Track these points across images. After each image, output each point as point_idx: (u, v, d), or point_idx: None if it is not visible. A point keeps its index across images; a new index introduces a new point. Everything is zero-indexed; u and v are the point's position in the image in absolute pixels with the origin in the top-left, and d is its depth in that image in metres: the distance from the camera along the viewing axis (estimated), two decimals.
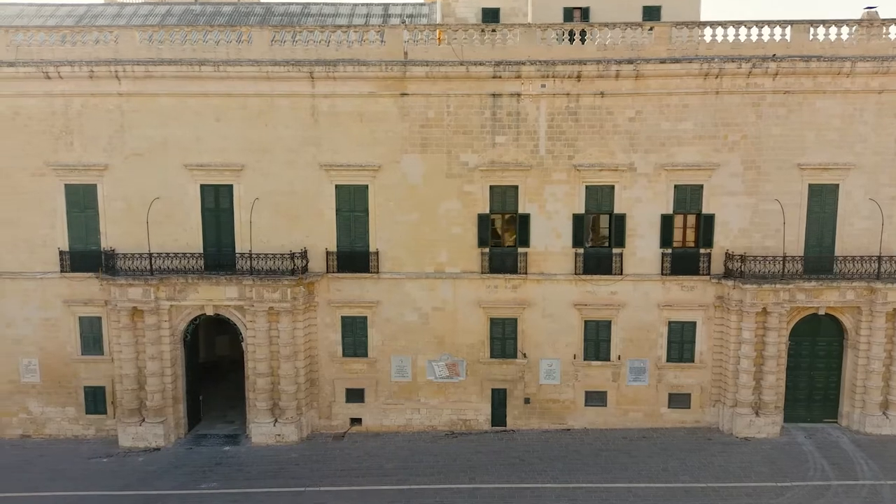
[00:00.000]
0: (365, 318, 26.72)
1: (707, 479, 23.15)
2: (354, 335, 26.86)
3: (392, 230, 26.25)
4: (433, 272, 26.39)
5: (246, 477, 23.76)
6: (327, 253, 26.36)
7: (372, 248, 26.32)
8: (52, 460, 25.53)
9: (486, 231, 25.98)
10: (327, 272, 26.48)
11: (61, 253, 26.50)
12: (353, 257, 26.41)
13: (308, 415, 27.00)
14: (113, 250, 25.97)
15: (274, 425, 26.18)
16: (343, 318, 26.77)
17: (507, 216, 26.28)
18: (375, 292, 26.57)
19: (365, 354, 26.94)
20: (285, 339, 25.89)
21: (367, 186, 26.15)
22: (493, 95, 25.33)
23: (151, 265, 25.56)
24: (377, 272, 26.37)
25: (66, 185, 26.30)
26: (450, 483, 22.98)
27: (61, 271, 26.63)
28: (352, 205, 26.32)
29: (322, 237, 26.38)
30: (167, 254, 25.77)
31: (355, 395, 27.14)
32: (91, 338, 27.09)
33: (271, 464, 24.69)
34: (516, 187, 25.80)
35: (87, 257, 26.56)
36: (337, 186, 26.17)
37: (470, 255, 26.18)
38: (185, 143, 26.00)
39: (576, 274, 25.93)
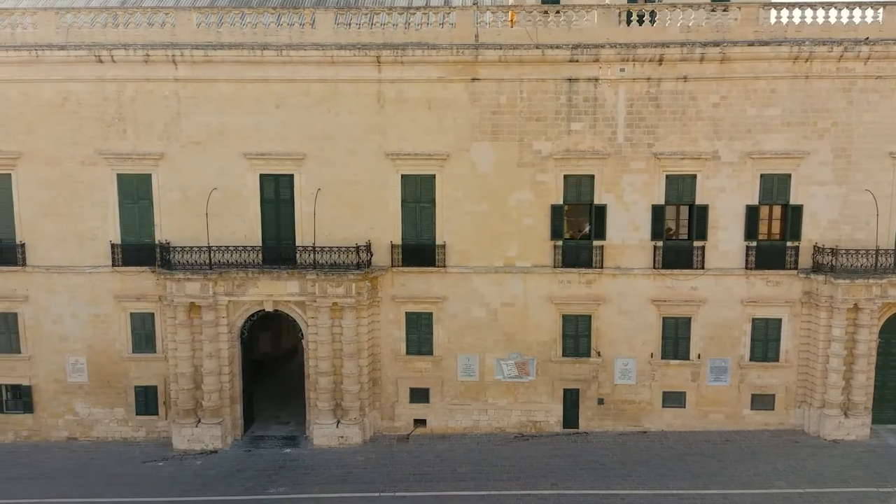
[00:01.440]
0: (430, 314, 25.49)
1: (803, 484, 21.86)
2: (419, 332, 25.62)
3: (460, 222, 25.01)
4: (502, 266, 25.13)
5: (314, 481, 22.50)
6: (392, 246, 25.14)
7: (438, 241, 25.08)
8: (105, 464, 24.31)
9: (560, 223, 24.72)
10: (391, 266, 25.23)
11: (113, 246, 25.31)
12: (419, 250, 25.18)
13: (370, 416, 25.74)
14: (168, 243, 24.71)
15: (336, 427, 24.93)
16: (407, 314, 25.55)
17: (581, 207, 25.05)
18: (441, 287, 25.31)
19: (430, 352, 25.69)
20: (349, 336, 24.63)
21: (434, 176, 24.92)
22: (569, 80, 24.10)
23: (210, 259, 24.38)
24: (443, 266, 25.13)
25: (118, 175, 25.11)
26: (531, 489, 21.68)
27: (112, 265, 25.45)
28: (418, 195, 25.11)
29: (386, 229, 25.17)
30: (225, 247, 24.60)
31: (419, 395, 25.88)
32: (143, 335, 25.85)
33: (338, 467, 23.44)
34: (592, 177, 24.54)
35: (139, 250, 25.37)
36: (403, 176, 24.94)
37: (542, 249, 24.95)
38: (244, 130, 24.78)
39: (654, 268, 24.67)
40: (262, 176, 25.08)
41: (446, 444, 25.11)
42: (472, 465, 23.45)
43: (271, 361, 34.05)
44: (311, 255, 24.57)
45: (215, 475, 23.15)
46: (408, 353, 25.82)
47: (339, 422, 25.03)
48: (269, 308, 25.10)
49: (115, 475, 23.39)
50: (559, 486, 21.88)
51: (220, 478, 22.95)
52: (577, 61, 23.82)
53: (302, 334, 25.88)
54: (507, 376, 25.59)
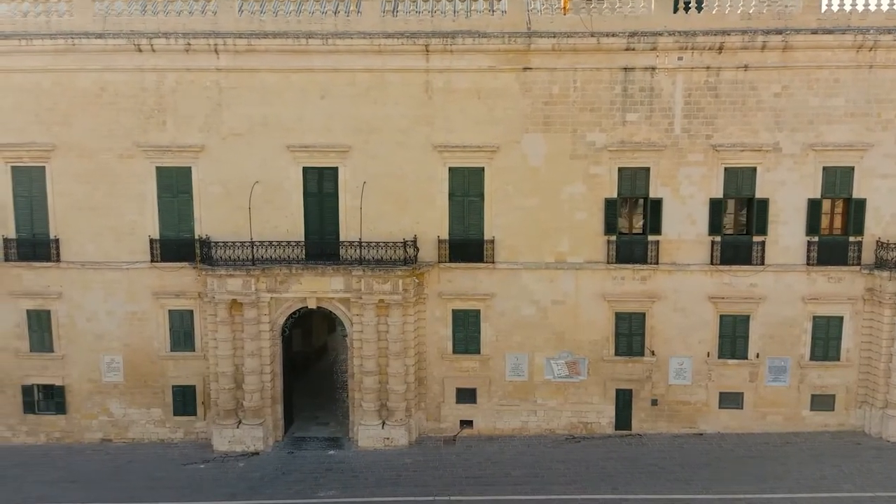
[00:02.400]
0: (478, 311, 24.65)
1: (872, 487, 21.01)
2: (466, 330, 24.77)
3: (509, 216, 24.18)
4: (553, 262, 24.30)
5: (363, 484, 21.68)
6: (438, 241, 24.30)
7: (487, 236, 24.25)
8: (143, 467, 23.49)
9: (614, 217, 23.88)
10: (438, 262, 24.40)
11: (151, 241, 24.50)
12: (466, 246, 24.35)
13: (416, 416, 24.94)
14: (208, 238, 24.00)
15: (382, 428, 24.13)
16: (454, 311, 24.70)
17: (636, 201, 24.25)
18: (489, 284, 24.48)
19: (477, 351, 24.85)
20: (395, 334, 23.84)
21: (482, 169, 24.09)
22: (625, 69, 23.29)
23: (253, 254, 23.59)
24: (492, 262, 24.29)
25: (157, 168, 24.30)
26: (592, 493, 20.85)
27: (151, 261, 24.66)
28: (466, 189, 24.27)
29: (433, 224, 24.33)
30: (269, 242, 23.82)
31: (466, 396, 25.03)
32: (181, 333, 25.04)
33: (386, 470, 22.63)
34: (648, 169, 23.69)
35: (178, 246, 24.59)
36: (450, 169, 24.11)
37: (594, 244, 24.11)
38: (287, 122, 23.98)
39: (711, 264, 23.81)
40: (305, 169, 24.25)
41: (495, 447, 24.27)
42: (526, 469, 22.62)
43: (303, 360, 33.30)
44: (357, 251, 23.73)
45: (260, 478, 22.33)
46: (454, 351, 24.97)
47: (384, 423, 24.21)
48: (312, 305, 24.29)
49: (156, 478, 22.57)
50: (620, 491, 21.03)
51: (266, 481, 22.11)
52: (633, 49, 23.02)
53: (344, 332, 25.12)
54: (557, 376, 24.76)
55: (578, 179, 23.89)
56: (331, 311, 24.89)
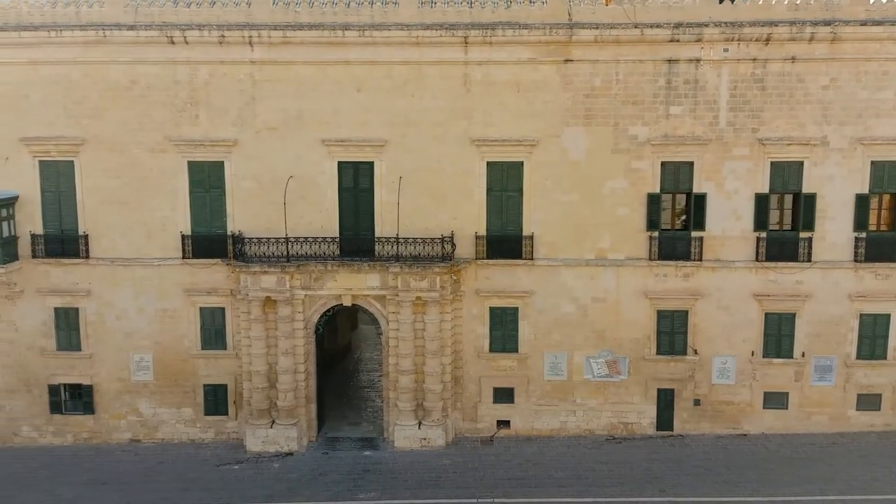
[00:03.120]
0: (516, 309, 24.10)
1: None
2: (504, 328, 24.21)
3: (548, 212, 23.63)
4: (594, 259, 23.76)
5: (404, 486, 21.18)
6: (476, 237, 23.75)
7: (525, 232, 23.71)
8: (176, 467, 23.01)
9: (656, 212, 23.33)
10: (475, 258, 23.87)
11: (182, 237, 24.03)
12: (504, 242, 23.78)
13: (452, 416, 24.40)
14: (241, 234, 23.51)
15: (419, 428, 23.63)
16: (491, 309, 24.13)
17: (679, 196, 23.67)
18: (528, 281, 23.95)
19: (515, 350, 24.29)
20: (432, 332, 23.33)
21: (521, 163, 23.54)
22: (669, 61, 22.74)
23: (288, 251, 23.09)
24: (531, 258, 23.75)
25: (189, 163, 23.78)
26: (640, 496, 20.35)
27: (182, 257, 24.22)
28: (504, 184, 23.73)
29: (470, 219, 23.77)
30: (303, 238, 23.33)
31: (504, 395, 24.48)
32: (213, 331, 24.52)
33: (426, 471, 22.13)
34: (691, 163, 23.12)
35: (210, 242, 24.06)
36: (488, 163, 23.55)
37: (636, 240, 23.56)
38: (322, 115, 23.45)
39: (757, 261, 23.25)
40: (340, 163, 23.71)
41: (534, 447, 23.74)
42: (569, 470, 22.08)
43: (329, 358, 32.81)
44: (394, 247, 23.22)
45: (297, 479, 21.82)
46: (491, 350, 24.40)
47: (420, 423, 23.71)
48: (346, 303, 23.79)
49: (190, 479, 22.07)
50: (668, 493, 20.50)
51: (304, 482, 21.61)
52: (677, 41, 22.47)
53: (379, 330, 24.60)
54: (596, 375, 24.21)
55: (620, 174, 23.33)
56: (364, 309, 24.45)
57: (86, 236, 24.19)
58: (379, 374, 32.99)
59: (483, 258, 24.02)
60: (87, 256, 24.26)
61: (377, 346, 37.08)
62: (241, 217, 23.82)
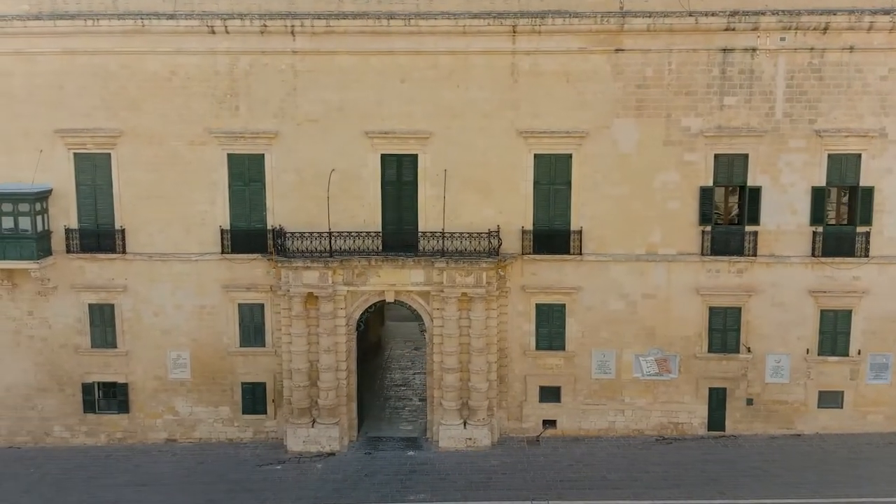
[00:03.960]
0: (563, 305, 23.47)
1: None
2: (550, 325, 23.58)
3: (597, 206, 22.99)
4: (644, 254, 23.11)
5: (454, 487, 20.57)
6: (522, 231, 23.13)
7: (573, 227, 23.06)
8: (216, 468, 22.43)
9: (709, 206, 22.67)
10: (521, 253, 23.25)
11: (222, 231, 23.49)
12: (552, 237, 23.14)
13: (497, 416, 23.77)
14: (282, 229, 22.95)
15: (464, 428, 22.99)
16: (538, 305, 23.51)
17: (733, 189, 23.11)
18: (576, 277, 23.30)
19: (562, 348, 23.65)
20: (478, 329, 22.71)
21: (570, 156, 22.91)
22: (723, 50, 22.11)
23: (331, 245, 22.51)
24: (579, 253, 23.11)
25: (228, 155, 23.21)
26: (699, 497, 19.69)
27: (221, 252, 23.66)
28: (552, 177, 23.10)
29: (517, 213, 23.15)
30: (346, 233, 22.78)
31: (550, 394, 23.85)
32: (251, 328, 23.96)
33: (473, 472, 21.51)
34: (746, 156, 22.48)
35: (249, 236, 23.48)
36: (536, 156, 22.93)
37: (688, 235, 22.89)
38: (365, 107, 22.86)
39: (813, 256, 22.57)
40: (383, 156, 23.11)
41: (582, 448, 23.10)
42: (622, 471, 21.45)
43: (361, 355, 32.23)
44: (439, 242, 22.67)
45: (343, 480, 21.23)
46: (538, 348, 23.76)
47: (465, 422, 23.08)
48: (390, 298, 23.22)
49: (233, 480, 21.45)
50: (728, 495, 19.84)
51: (350, 483, 21.01)
52: (732, 30, 21.83)
53: (423, 326, 24.00)
54: (646, 374, 23.58)
55: (671, 167, 22.67)
56: (406, 305, 23.90)
57: (122, 231, 23.62)
58: (413, 371, 32.53)
59: (530, 253, 23.38)
60: (124, 251, 23.69)
61: (407, 343, 36.66)
62: (281, 211, 23.24)
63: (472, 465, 22.05)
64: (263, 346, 24.13)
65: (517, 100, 22.78)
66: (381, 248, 23.31)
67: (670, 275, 23.19)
